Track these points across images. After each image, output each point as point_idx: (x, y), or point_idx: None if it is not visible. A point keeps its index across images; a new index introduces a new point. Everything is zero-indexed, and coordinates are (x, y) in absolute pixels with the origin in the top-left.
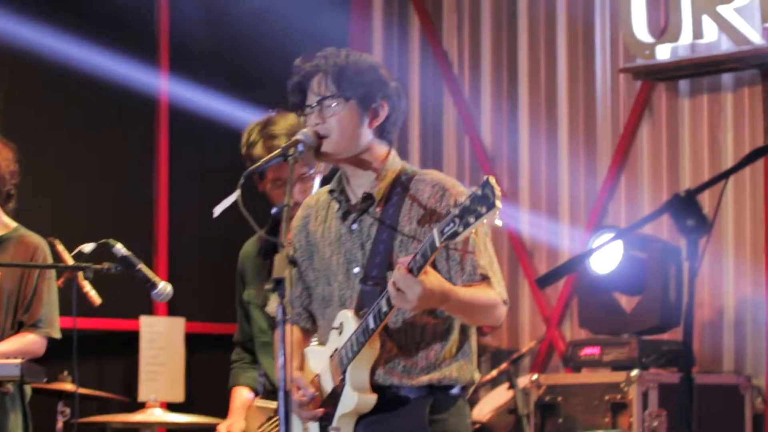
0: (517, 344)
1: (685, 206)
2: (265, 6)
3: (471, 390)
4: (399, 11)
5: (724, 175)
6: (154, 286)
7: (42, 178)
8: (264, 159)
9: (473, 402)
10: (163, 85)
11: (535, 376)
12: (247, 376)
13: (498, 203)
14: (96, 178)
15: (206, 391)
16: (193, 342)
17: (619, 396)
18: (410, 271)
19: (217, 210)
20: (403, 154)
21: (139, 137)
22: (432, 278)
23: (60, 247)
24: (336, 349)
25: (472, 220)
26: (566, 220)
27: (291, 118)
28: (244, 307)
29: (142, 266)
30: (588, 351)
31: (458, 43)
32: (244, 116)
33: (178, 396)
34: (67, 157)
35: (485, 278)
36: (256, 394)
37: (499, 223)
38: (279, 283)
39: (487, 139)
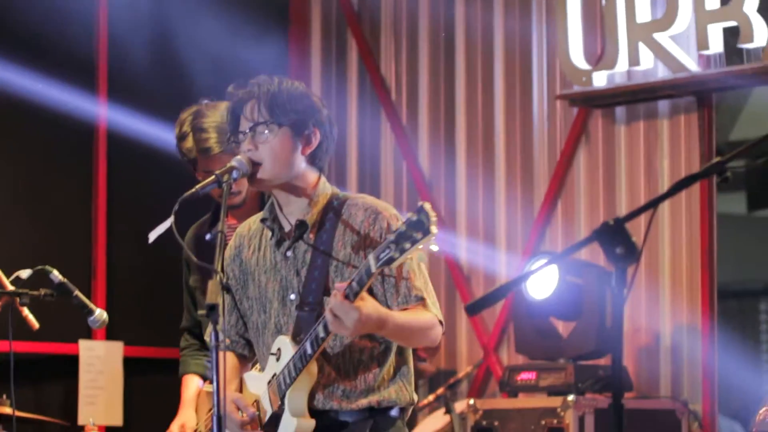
0: (454, 369)
1: (614, 234)
2: (203, 31)
3: (409, 411)
4: (337, 36)
5: (653, 203)
6: (90, 312)
7: None
8: (198, 186)
9: (411, 426)
10: (102, 111)
11: (471, 401)
12: (196, 363)
13: (433, 229)
14: (34, 204)
15: (144, 415)
16: (131, 366)
17: (555, 421)
18: (346, 297)
19: (152, 235)
20: (341, 179)
21: (77, 163)
22: (368, 304)
23: None
24: (274, 375)
25: (407, 245)
26: (503, 246)
27: (221, 110)
28: (191, 293)
29: (78, 293)
30: (524, 376)
31: (396, 69)
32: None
33: (117, 420)
34: (4, 182)
35: (420, 300)
36: (205, 380)
37: (434, 248)
38: (212, 309)
39: (425, 165)
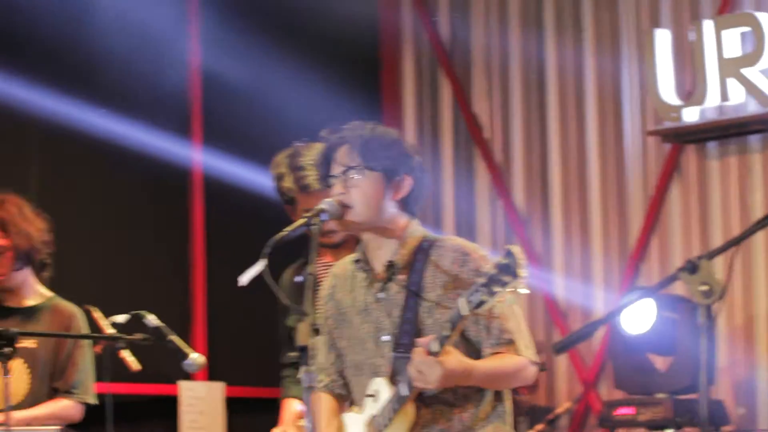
0: (553, 404)
1: (698, 272)
2: (295, 77)
3: None
4: (430, 76)
5: (735, 242)
6: (185, 356)
7: (78, 249)
8: (287, 228)
9: None
10: (197, 155)
11: None
12: (297, 388)
13: (521, 272)
14: (132, 249)
15: None
16: (232, 406)
17: None
18: (438, 340)
19: (244, 279)
20: (437, 219)
21: (173, 207)
22: (452, 358)
23: (96, 315)
24: (373, 416)
25: (497, 288)
26: (600, 282)
27: (317, 149)
28: (289, 333)
29: (172, 337)
30: (623, 411)
31: (489, 107)
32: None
33: None
34: (101, 227)
35: (510, 343)
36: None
37: (524, 291)
38: (303, 351)
39: (520, 203)
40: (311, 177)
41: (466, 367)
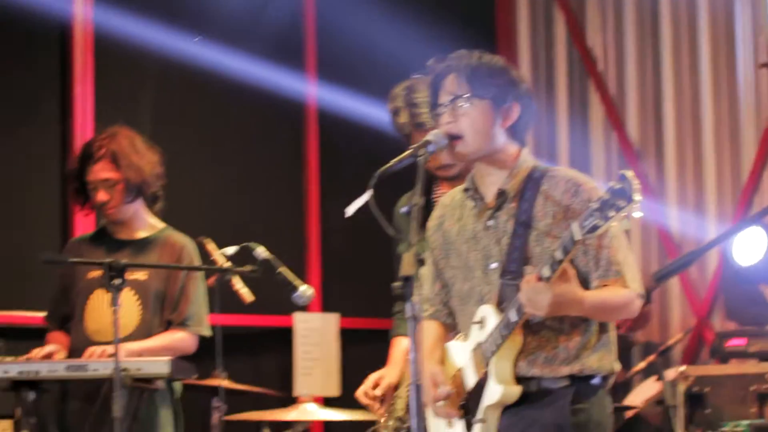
0: (667, 336)
1: None
2: (410, 11)
3: (611, 380)
4: (544, 10)
5: None
6: (295, 289)
7: (192, 182)
8: (394, 160)
9: (625, 393)
10: (312, 89)
11: (682, 368)
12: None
13: (636, 196)
14: (248, 183)
15: (361, 385)
16: (347, 337)
17: (765, 386)
18: (550, 266)
19: (350, 210)
20: (552, 152)
21: (289, 141)
22: (564, 286)
23: (210, 247)
24: (478, 343)
25: (612, 213)
26: (712, 212)
27: None
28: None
29: (282, 270)
30: (734, 342)
31: (603, 41)
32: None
33: (334, 390)
34: (217, 162)
35: (619, 275)
36: None
37: (638, 215)
38: (407, 281)
39: (634, 135)
40: (426, 114)
41: (575, 297)
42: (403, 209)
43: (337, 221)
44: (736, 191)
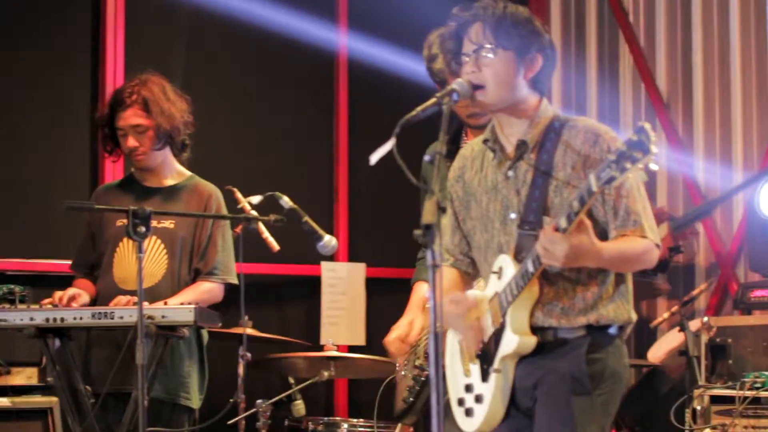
0: (692, 286)
1: None
2: None
3: (628, 330)
4: None
5: None
6: (320, 238)
7: (221, 131)
8: (418, 108)
9: (649, 343)
10: (342, 39)
11: (705, 319)
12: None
13: (653, 148)
14: (278, 132)
15: (386, 334)
16: (373, 286)
17: None
18: (567, 216)
19: (374, 158)
20: (581, 101)
21: (319, 90)
22: (580, 236)
23: (238, 195)
24: (496, 293)
25: (628, 165)
26: (739, 164)
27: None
28: None
29: (307, 219)
30: (758, 293)
31: None
32: (421, 69)
33: (359, 339)
34: (246, 112)
35: (638, 225)
36: None
37: (654, 167)
38: (428, 229)
39: (663, 87)
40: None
41: (592, 247)
42: (427, 158)
43: (364, 171)
44: (763, 143)
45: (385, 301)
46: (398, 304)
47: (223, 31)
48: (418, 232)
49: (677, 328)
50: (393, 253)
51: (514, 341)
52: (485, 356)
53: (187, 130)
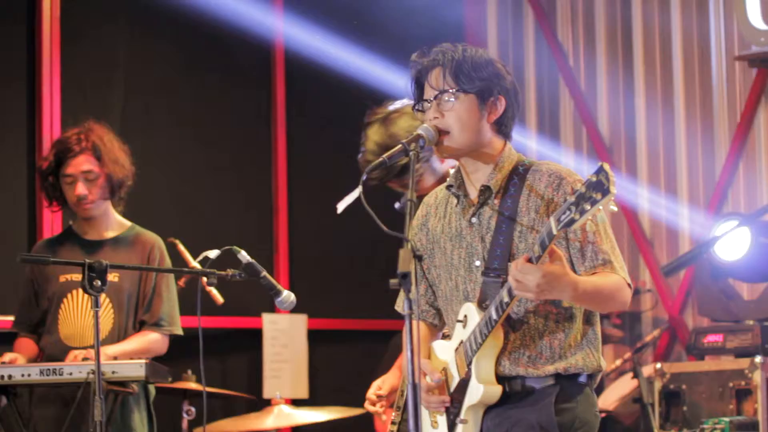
0: (638, 333)
1: None
2: None
3: (598, 378)
4: (513, 4)
5: None
6: (278, 293)
7: (159, 181)
8: (386, 154)
9: (599, 391)
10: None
11: (659, 365)
12: None
13: (613, 189)
14: (215, 183)
15: (330, 386)
16: (315, 338)
17: (743, 382)
18: (530, 260)
19: (341, 206)
20: (521, 145)
21: (256, 143)
22: (555, 266)
23: (181, 247)
24: (461, 342)
25: (588, 206)
26: (685, 208)
27: (397, 124)
28: None
29: (265, 274)
30: (711, 338)
31: (573, 34)
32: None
33: (302, 392)
34: (182, 162)
35: (607, 263)
36: None
37: (614, 208)
38: (404, 278)
39: (605, 129)
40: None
41: (566, 276)
42: (397, 205)
43: (305, 220)
44: (709, 185)
45: (328, 353)
46: (341, 356)
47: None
48: (394, 281)
49: (630, 375)
50: (335, 305)
51: (479, 391)
52: (452, 407)
53: (130, 180)
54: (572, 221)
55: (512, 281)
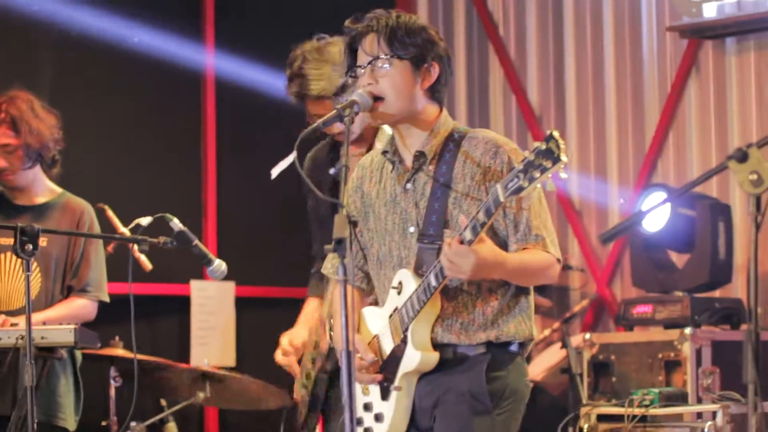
0: (565, 303)
1: (747, 160)
2: None
3: (529, 347)
4: None
5: None
6: (210, 262)
7: (88, 148)
8: (320, 120)
9: (527, 361)
10: (209, 59)
11: (587, 335)
12: (321, 287)
13: (563, 156)
14: (144, 147)
15: (257, 354)
16: (243, 305)
17: (672, 354)
18: (472, 228)
19: (275, 171)
20: (451, 114)
21: (186, 109)
22: (485, 247)
23: (110, 213)
24: (396, 308)
25: (537, 174)
26: (615, 179)
27: (331, 52)
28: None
29: (197, 242)
30: (640, 309)
31: (503, 3)
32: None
33: (230, 360)
34: (114, 131)
35: (539, 239)
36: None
37: (564, 176)
38: (339, 243)
39: (534, 100)
40: (312, 84)
41: (497, 258)
42: (332, 170)
43: (232, 189)
44: (638, 158)
45: (256, 321)
46: (269, 324)
47: (87, 52)
48: (329, 247)
49: (558, 345)
50: (263, 272)
51: (416, 357)
52: (385, 374)
53: (57, 146)
54: (520, 189)
55: (445, 263)
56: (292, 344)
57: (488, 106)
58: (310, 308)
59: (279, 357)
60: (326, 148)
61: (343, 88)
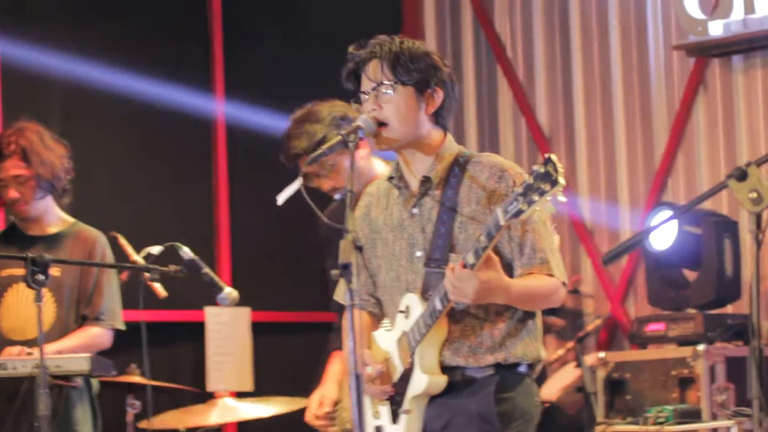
0: (579, 323)
1: (747, 178)
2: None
3: (538, 368)
4: None
5: None
6: (219, 290)
7: (102, 178)
8: (325, 146)
9: (541, 380)
10: (219, 106)
11: (602, 354)
12: (339, 341)
13: (561, 179)
14: (157, 177)
15: (274, 378)
16: (258, 330)
17: (686, 371)
18: (474, 252)
19: (281, 198)
20: (460, 137)
21: (197, 148)
22: (490, 273)
23: (123, 242)
24: (403, 332)
25: (536, 197)
26: (625, 198)
27: (321, 117)
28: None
29: (207, 270)
30: (653, 327)
31: (511, 25)
32: None
33: (247, 385)
34: (125, 159)
35: (544, 263)
36: None
37: (562, 199)
38: (345, 268)
39: (543, 121)
40: (294, 143)
41: (500, 283)
42: (337, 195)
43: (246, 212)
44: (648, 177)
45: (272, 345)
46: (284, 348)
47: (97, 106)
48: (335, 272)
49: (572, 365)
50: (277, 297)
51: (423, 381)
52: (395, 397)
53: (67, 176)
54: (520, 212)
55: (449, 287)
56: (323, 405)
57: (498, 129)
58: (336, 365)
59: (312, 420)
60: (342, 206)
61: (323, 140)
